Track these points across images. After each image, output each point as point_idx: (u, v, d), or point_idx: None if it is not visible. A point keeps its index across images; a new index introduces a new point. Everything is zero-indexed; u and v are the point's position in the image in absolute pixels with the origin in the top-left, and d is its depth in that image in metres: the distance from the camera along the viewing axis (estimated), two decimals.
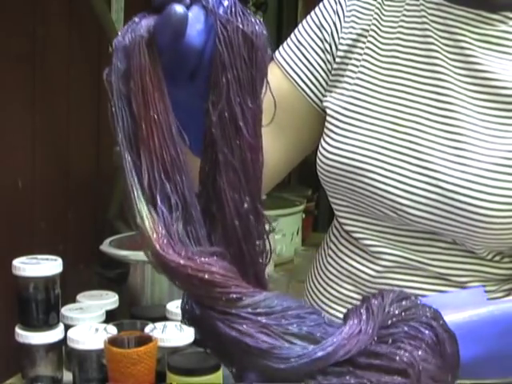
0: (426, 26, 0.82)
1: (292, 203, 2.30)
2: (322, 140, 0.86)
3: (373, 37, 0.85)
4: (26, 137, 1.52)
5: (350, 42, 0.86)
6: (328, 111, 0.86)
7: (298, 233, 2.26)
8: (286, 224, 2.15)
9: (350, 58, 0.86)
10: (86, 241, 1.67)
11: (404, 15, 0.84)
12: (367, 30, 0.85)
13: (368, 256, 0.85)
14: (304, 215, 2.33)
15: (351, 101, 0.84)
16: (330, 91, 0.87)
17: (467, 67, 0.79)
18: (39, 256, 1.23)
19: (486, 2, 0.79)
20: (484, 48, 0.79)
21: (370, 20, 0.85)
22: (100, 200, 1.76)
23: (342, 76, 0.86)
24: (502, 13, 0.79)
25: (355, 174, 0.81)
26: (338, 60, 0.87)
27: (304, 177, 3.21)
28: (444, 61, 0.80)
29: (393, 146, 0.80)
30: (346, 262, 0.88)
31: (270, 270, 1.94)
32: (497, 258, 0.80)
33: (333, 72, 0.88)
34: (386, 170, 0.80)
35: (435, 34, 0.81)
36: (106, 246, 1.55)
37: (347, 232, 0.88)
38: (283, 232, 2.14)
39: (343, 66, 0.86)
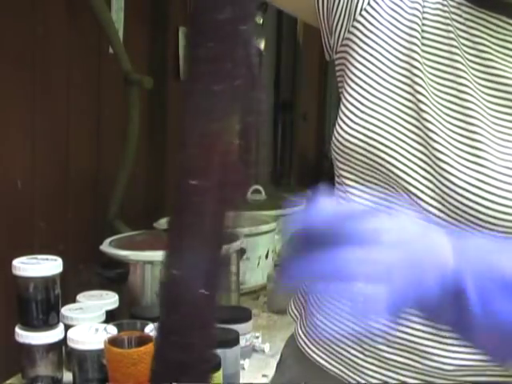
0: (449, 22, 0.82)
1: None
2: (344, 110, 0.84)
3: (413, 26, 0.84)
4: (25, 137, 1.52)
5: (388, 18, 0.85)
6: (357, 79, 0.84)
7: None
8: None
9: (379, 37, 0.84)
10: (86, 241, 1.67)
11: (429, 7, 0.83)
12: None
13: None
14: None
15: (379, 80, 0.83)
16: (353, 51, 0.86)
17: (484, 70, 0.79)
18: (39, 256, 1.24)
19: (508, 7, 0.79)
20: (502, 53, 0.79)
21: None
22: (100, 200, 1.76)
23: (369, 46, 0.84)
24: None
25: (376, 148, 0.81)
26: (360, 19, 0.85)
27: (304, 177, 3.22)
28: (463, 59, 0.80)
29: (413, 135, 0.80)
30: None
31: (270, 269, 1.94)
32: None
33: (350, 29, 0.86)
34: (403, 156, 0.80)
35: (456, 32, 0.81)
36: (106, 246, 1.55)
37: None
38: None
39: (370, 36, 0.85)
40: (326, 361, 0.89)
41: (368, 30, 0.85)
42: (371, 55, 0.84)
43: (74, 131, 1.67)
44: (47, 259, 1.23)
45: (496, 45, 0.79)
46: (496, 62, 0.79)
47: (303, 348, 0.93)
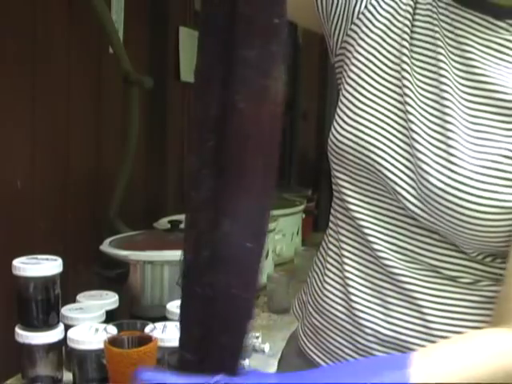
0: (436, 23, 0.82)
1: (292, 203, 2.30)
2: (338, 112, 0.86)
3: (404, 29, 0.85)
4: (25, 137, 1.52)
5: (382, 20, 0.86)
6: (351, 82, 0.86)
7: (298, 233, 2.26)
8: (286, 224, 2.15)
9: (373, 39, 0.86)
10: (86, 241, 1.67)
11: (421, 8, 0.84)
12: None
13: (362, 240, 0.86)
14: (304, 215, 2.33)
15: (372, 83, 0.84)
16: (350, 53, 0.87)
17: (466, 70, 0.80)
18: (39, 256, 1.24)
19: (493, 7, 0.79)
20: (484, 53, 0.79)
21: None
22: (100, 200, 1.76)
23: (364, 49, 0.86)
24: (508, 20, 0.79)
25: (365, 149, 0.83)
26: (357, 23, 0.87)
27: (304, 177, 3.22)
28: (447, 59, 0.81)
29: (401, 135, 0.81)
30: (345, 250, 0.89)
31: (270, 269, 1.94)
32: (488, 260, 0.81)
33: (348, 32, 0.88)
34: (391, 156, 0.81)
35: (442, 32, 0.82)
36: (105, 246, 1.55)
37: (349, 216, 0.88)
38: (283, 232, 2.14)
39: (366, 39, 0.86)
40: (322, 359, 0.91)
41: (364, 33, 0.87)
42: (366, 58, 0.86)
43: (74, 131, 1.67)
44: (47, 259, 1.23)
45: (480, 44, 0.80)
46: (478, 61, 0.79)
47: (302, 346, 0.95)
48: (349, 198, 0.87)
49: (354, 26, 0.88)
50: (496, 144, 0.76)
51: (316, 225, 2.64)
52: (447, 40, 0.81)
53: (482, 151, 0.76)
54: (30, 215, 1.53)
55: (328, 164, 0.91)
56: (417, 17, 0.84)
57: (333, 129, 0.87)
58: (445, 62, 0.80)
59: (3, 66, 1.42)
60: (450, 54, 0.81)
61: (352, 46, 0.87)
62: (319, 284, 0.92)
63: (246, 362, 1.42)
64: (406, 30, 0.84)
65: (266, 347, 1.49)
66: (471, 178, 0.75)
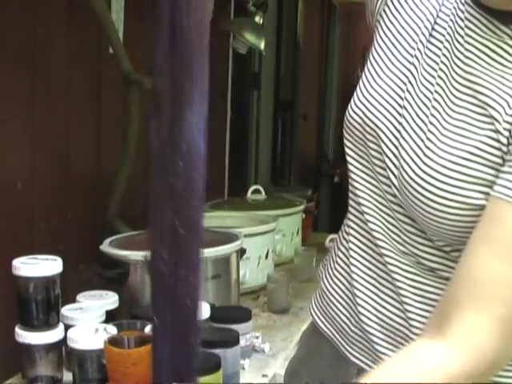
0: (452, 18, 0.85)
1: (292, 203, 2.30)
2: (357, 87, 0.91)
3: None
4: (25, 137, 1.52)
5: (411, 5, 0.90)
6: (372, 60, 0.90)
7: (297, 233, 2.26)
8: (285, 224, 2.16)
9: (399, 23, 0.90)
10: (86, 241, 1.67)
11: (444, 6, 0.87)
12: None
13: (362, 224, 0.91)
14: (304, 215, 2.34)
15: (387, 61, 0.88)
16: (378, 29, 0.92)
17: (463, 67, 0.83)
18: (39, 256, 1.24)
19: (500, 12, 0.81)
20: (483, 53, 0.81)
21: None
22: (100, 200, 1.76)
23: (389, 30, 0.90)
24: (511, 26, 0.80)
25: (368, 126, 0.87)
26: (389, 4, 0.92)
27: (304, 177, 3.22)
28: (450, 54, 0.84)
29: (399, 117, 0.85)
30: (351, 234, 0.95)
31: (270, 269, 1.94)
32: (455, 254, 0.82)
33: (384, 8, 0.92)
34: (388, 138, 0.85)
35: (454, 27, 0.85)
36: (105, 246, 1.55)
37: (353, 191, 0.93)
38: (283, 232, 2.14)
39: (393, 20, 0.91)
40: (323, 322, 0.98)
41: (392, 14, 0.91)
42: (389, 39, 0.90)
43: (74, 131, 1.67)
44: (47, 259, 1.23)
45: (480, 43, 0.82)
46: (474, 61, 0.81)
47: (310, 309, 1.02)
48: (353, 175, 0.92)
49: (389, 2, 0.92)
50: (467, 141, 0.79)
51: (316, 225, 2.65)
52: (456, 36, 0.84)
53: (454, 146, 0.79)
54: (29, 215, 1.53)
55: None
56: (443, 8, 0.87)
57: (351, 101, 0.91)
58: (446, 57, 0.84)
59: (3, 66, 1.42)
60: (454, 49, 0.83)
61: (380, 24, 0.92)
62: (333, 255, 0.99)
63: (246, 362, 1.42)
64: (431, 19, 0.87)
65: (266, 347, 1.49)
66: (440, 173, 0.78)
